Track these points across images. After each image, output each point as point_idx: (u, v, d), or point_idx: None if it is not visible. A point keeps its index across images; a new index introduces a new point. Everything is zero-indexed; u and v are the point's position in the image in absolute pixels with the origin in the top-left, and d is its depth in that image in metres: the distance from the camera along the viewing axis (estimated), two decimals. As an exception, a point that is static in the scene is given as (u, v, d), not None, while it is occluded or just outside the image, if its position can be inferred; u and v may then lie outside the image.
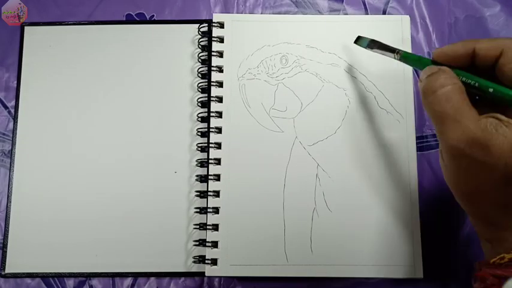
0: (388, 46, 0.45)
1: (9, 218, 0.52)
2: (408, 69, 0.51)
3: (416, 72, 0.54)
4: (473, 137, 0.31)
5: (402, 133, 0.50)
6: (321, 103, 0.51)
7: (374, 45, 0.47)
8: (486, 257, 0.35)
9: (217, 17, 0.53)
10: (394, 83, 0.51)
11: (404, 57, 0.43)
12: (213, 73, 0.52)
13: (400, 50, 0.43)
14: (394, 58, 0.44)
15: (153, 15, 0.57)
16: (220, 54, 0.52)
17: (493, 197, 0.33)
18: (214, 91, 0.52)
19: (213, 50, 0.52)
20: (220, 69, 0.52)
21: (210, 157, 0.50)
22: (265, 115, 0.51)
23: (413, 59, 0.42)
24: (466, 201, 0.35)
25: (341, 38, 0.52)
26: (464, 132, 0.32)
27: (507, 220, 0.33)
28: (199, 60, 0.54)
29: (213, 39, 0.53)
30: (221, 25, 0.53)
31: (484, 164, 0.31)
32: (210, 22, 0.54)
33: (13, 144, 0.53)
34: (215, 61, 0.52)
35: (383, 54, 0.45)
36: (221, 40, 0.53)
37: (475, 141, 0.31)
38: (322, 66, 0.52)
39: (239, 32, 0.53)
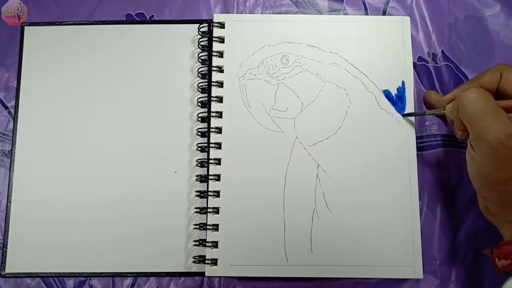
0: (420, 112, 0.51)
1: (9, 218, 0.52)
2: (409, 70, 0.51)
3: (417, 72, 0.54)
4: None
5: (403, 133, 0.50)
6: (321, 103, 0.51)
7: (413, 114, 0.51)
8: (508, 237, 0.40)
9: (218, 17, 0.53)
10: (395, 83, 0.51)
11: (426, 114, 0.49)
12: (213, 73, 0.52)
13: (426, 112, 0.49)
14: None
15: (153, 15, 0.57)
16: (221, 54, 0.52)
17: None
18: (215, 91, 0.52)
19: (213, 50, 0.52)
20: (220, 69, 0.52)
21: (210, 157, 0.50)
22: (266, 115, 0.51)
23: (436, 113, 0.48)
24: (497, 189, 0.39)
25: (342, 37, 0.52)
26: (504, 125, 0.37)
27: None
28: (199, 60, 0.54)
29: (213, 39, 0.53)
30: (222, 25, 0.53)
31: None
32: (210, 22, 0.54)
33: (13, 144, 0.53)
34: (215, 61, 0.52)
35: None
36: (222, 40, 0.53)
37: None
38: (323, 66, 0.52)
39: (240, 32, 0.53)
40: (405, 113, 0.51)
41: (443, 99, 0.47)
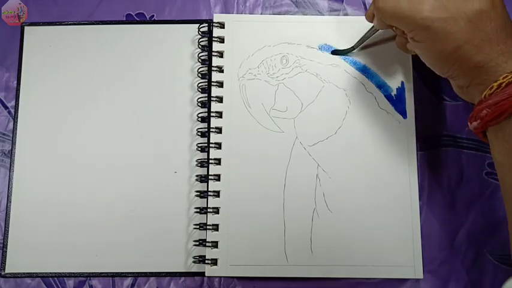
0: (348, 48, 0.52)
1: (9, 218, 0.52)
2: (409, 70, 0.52)
3: (416, 72, 0.54)
4: (435, 2, 0.39)
5: (402, 134, 0.50)
6: (321, 103, 0.51)
7: (342, 51, 0.53)
8: (476, 101, 0.40)
9: (218, 17, 0.53)
10: (395, 84, 0.51)
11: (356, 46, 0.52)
12: (213, 73, 0.52)
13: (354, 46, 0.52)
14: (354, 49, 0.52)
15: (153, 15, 0.57)
16: (221, 55, 0.52)
17: (476, 38, 0.38)
18: (215, 91, 0.52)
19: (213, 50, 0.52)
20: (220, 70, 0.52)
21: (210, 157, 0.50)
22: (266, 115, 0.51)
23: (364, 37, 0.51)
24: (455, 58, 0.40)
25: (342, 38, 0.52)
26: (421, 4, 0.39)
27: (490, 51, 0.39)
28: (199, 60, 0.54)
29: (213, 39, 0.53)
30: (222, 25, 0.53)
31: (457, 15, 0.38)
32: (210, 22, 0.54)
33: (13, 144, 0.53)
34: (215, 61, 0.52)
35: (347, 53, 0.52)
36: (222, 40, 0.53)
37: (437, 3, 0.39)
38: (322, 67, 0.52)
39: (240, 32, 0.53)
40: (333, 50, 0.53)
41: (366, 15, 0.48)
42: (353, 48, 0.51)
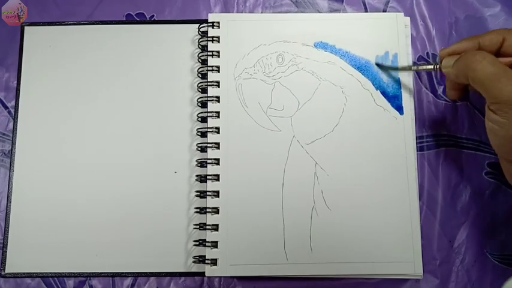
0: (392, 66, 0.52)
1: (9, 218, 0.52)
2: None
3: (417, 72, 0.54)
4: None
5: (400, 130, 0.50)
6: (318, 101, 0.51)
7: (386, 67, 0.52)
8: None
9: (212, 17, 0.53)
10: (391, 80, 0.51)
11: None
12: (209, 73, 0.52)
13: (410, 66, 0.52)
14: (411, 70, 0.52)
15: (153, 15, 0.57)
16: (218, 54, 0.52)
17: None
18: (212, 91, 0.52)
19: (209, 49, 0.52)
20: (217, 69, 0.52)
21: (208, 157, 0.50)
22: (263, 114, 0.51)
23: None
24: None
25: (337, 35, 0.53)
26: None
27: None
28: (199, 60, 0.54)
29: (209, 39, 0.53)
30: (217, 25, 0.53)
31: None
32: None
33: (13, 144, 0.53)
34: (212, 61, 0.52)
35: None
36: (217, 40, 0.53)
37: None
38: (318, 65, 0.52)
39: (235, 32, 0.53)
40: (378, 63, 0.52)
41: (440, 53, 0.47)
42: (397, 68, 0.51)
